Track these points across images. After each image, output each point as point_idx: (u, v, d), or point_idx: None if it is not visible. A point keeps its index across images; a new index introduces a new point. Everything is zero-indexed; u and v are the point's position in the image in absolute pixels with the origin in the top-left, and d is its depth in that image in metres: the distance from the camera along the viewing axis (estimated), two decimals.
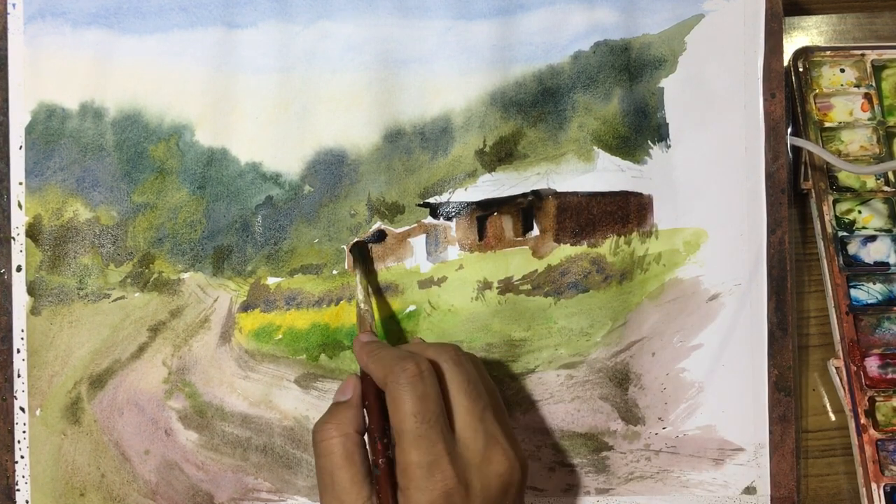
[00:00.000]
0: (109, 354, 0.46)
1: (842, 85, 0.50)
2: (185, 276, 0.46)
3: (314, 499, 0.46)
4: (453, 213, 0.46)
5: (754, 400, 0.46)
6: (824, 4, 0.52)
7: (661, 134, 0.47)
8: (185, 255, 0.46)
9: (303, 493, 0.46)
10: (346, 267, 0.46)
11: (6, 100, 0.46)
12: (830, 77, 0.50)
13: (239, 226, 0.46)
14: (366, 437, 0.37)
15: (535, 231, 0.46)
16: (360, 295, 0.43)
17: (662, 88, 0.47)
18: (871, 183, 0.49)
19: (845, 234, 0.48)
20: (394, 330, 0.46)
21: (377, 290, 0.46)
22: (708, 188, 0.46)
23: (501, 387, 0.46)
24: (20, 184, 0.46)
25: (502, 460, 0.36)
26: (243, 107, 0.46)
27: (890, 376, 0.46)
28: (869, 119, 0.49)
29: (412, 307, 0.46)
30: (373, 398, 0.37)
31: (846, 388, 0.46)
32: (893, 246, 0.48)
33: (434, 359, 0.37)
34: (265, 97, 0.46)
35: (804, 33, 0.52)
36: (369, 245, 0.46)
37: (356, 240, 0.46)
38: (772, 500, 0.46)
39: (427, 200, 0.46)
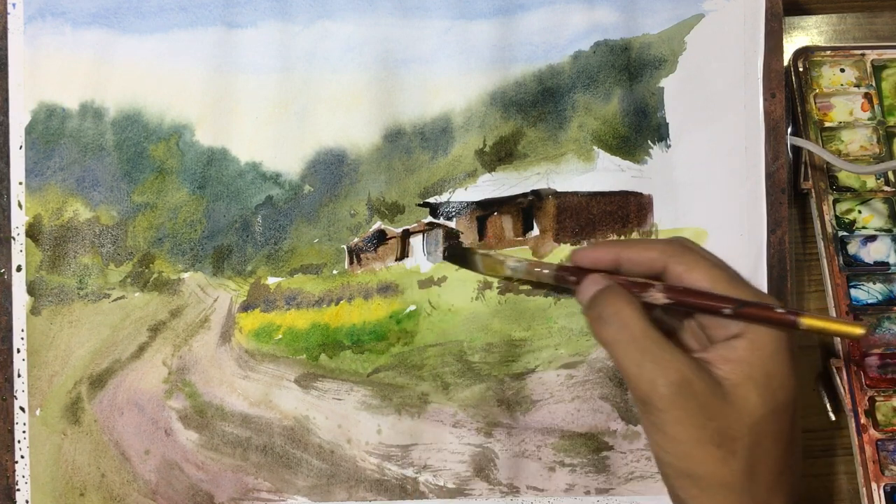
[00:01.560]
0: (109, 354, 0.46)
1: (842, 85, 0.50)
2: (185, 275, 0.46)
3: (314, 499, 0.46)
4: (453, 213, 0.46)
5: None
6: (824, 4, 0.52)
7: (661, 134, 0.47)
8: (185, 255, 0.46)
9: (303, 493, 0.46)
10: (346, 266, 0.46)
11: (6, 100, 0.46)
12: (830, 77, 0.50)
13: (239, 226, 0.46)
14: None
15: (535, 231, 0.46)
16: (509, 266, 0.41)
17: (662, 88, 0.47)
18: (871, 183, 0.49)
19: (845, 233, 0.48)
20: (393, 330, 0.46)
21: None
22: (708, 188, 0.46)
23: (501, 387, 0.46)
24: (20, 184, 0.46)
25: None
26: (243, 107, 0.46)
27: (890, 376, 0.46)
28: (869, 119, 0.49)
29: (412, 307, 0.46)
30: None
31: (846, 388, 0.46)
32: (893, 246, 0.48)
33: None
34: (265, 97, 0.46)
35: (804, 33, 0.52)
36: (460, 243, 0.46)
37: (445, 246, 0.46)
38: None
39: (427, 200, 0.46)
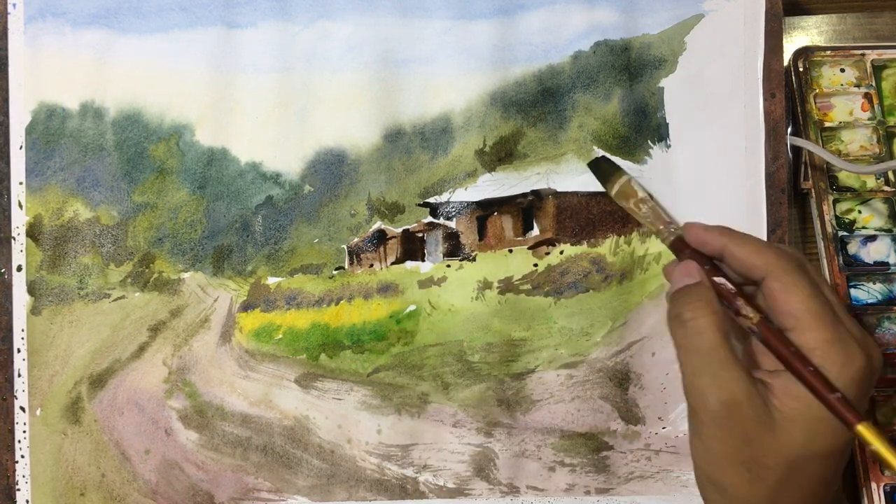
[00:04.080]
0: (109, 354, 0.46)
1: (842, 85, 0.50)
2: (186, 275, 0.46)
3: (314, 499, 0.46)
4: (453, 213, 0.46)
5: None
6: (824, 4, 0.52)
7: (661, 134, 0.47)
8: (186, 255, 0.46)
9: (303, 493, 0.46)
10: (346, 267, 0.46)
11: (6, 100, 0.46)
12: (830, 77, 0.50)
13: (239, 226, 0.47)
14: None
15: (535, 231, 0.46)
16: (638, 204, 0.41)
17: (662, 88, 0.47)
18: (871, 183, 0.49)
19: (845, 233, 0.48)
20: (393, 330, 0.46)
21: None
22: (708, 188, 0.46)
23: (501, 387, 0.46)
24: (21, 184, 0.46)
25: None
26: (243, 107, 0.46)
27: (890, 376, 0.46)
28: (869, 119, 0.49)
29: (412, 307, 0.46)
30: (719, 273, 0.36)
31: None
32: (893, 246, 0.48)
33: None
34: (265, 97, 0.46)
35: (804, 33, 0.52)
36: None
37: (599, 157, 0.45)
38: None
39: (427, 200, 0.47)
